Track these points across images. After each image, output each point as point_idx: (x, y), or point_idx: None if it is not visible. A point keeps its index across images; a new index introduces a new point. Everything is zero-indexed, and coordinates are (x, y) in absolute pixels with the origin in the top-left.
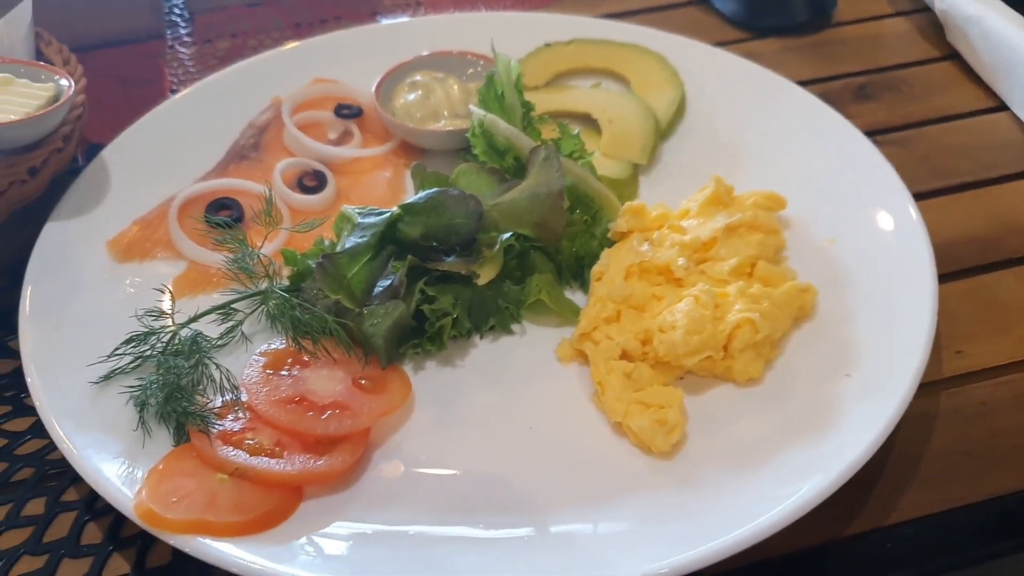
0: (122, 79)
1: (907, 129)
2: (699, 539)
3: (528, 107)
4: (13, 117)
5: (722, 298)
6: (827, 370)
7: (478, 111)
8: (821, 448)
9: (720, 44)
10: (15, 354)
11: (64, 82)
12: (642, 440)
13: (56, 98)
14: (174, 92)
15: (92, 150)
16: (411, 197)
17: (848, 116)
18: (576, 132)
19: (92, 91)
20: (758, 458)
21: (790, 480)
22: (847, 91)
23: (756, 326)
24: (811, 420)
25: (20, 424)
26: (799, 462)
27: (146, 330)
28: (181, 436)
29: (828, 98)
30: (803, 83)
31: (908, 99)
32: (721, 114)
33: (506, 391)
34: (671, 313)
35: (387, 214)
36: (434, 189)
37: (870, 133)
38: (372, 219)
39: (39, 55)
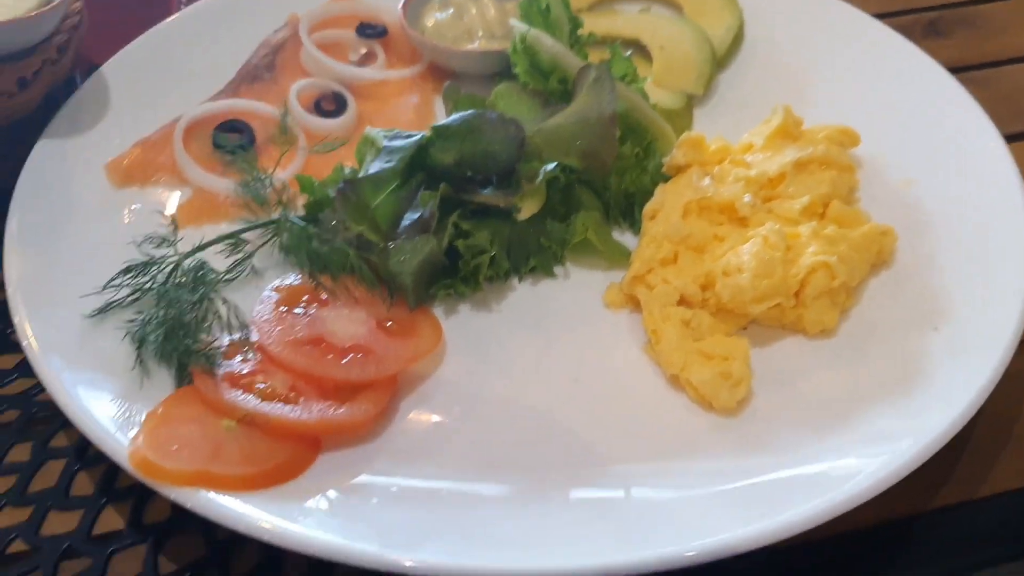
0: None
1: (983, 68)
2: (767, 510)
3: (576, 23)
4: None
5: (793, 239)
6: (910, 323)
7: (520, 25)
8: (908, 411)
9: None
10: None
11: None
12: (703, 395)
13: (48, 2)
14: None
15: (94, 71)
16: (444, 120)
17: None
18: (628, 53)
19: (96, 14)
20: (834, 420)
21: (872, 446)
22: (916, 27)
23: (833, 271)
24: (894, 378)
25: (5, 362)
26: (882, 426)
27: (146, 259)
28: (183, 378)
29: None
30: None
31: (983, 36)
32: (783, 44)
33: (548, 339)
34: (736, 255)
35: (417, 137)
36: (470, 111)
37: None
38: (400, 142)
39: None
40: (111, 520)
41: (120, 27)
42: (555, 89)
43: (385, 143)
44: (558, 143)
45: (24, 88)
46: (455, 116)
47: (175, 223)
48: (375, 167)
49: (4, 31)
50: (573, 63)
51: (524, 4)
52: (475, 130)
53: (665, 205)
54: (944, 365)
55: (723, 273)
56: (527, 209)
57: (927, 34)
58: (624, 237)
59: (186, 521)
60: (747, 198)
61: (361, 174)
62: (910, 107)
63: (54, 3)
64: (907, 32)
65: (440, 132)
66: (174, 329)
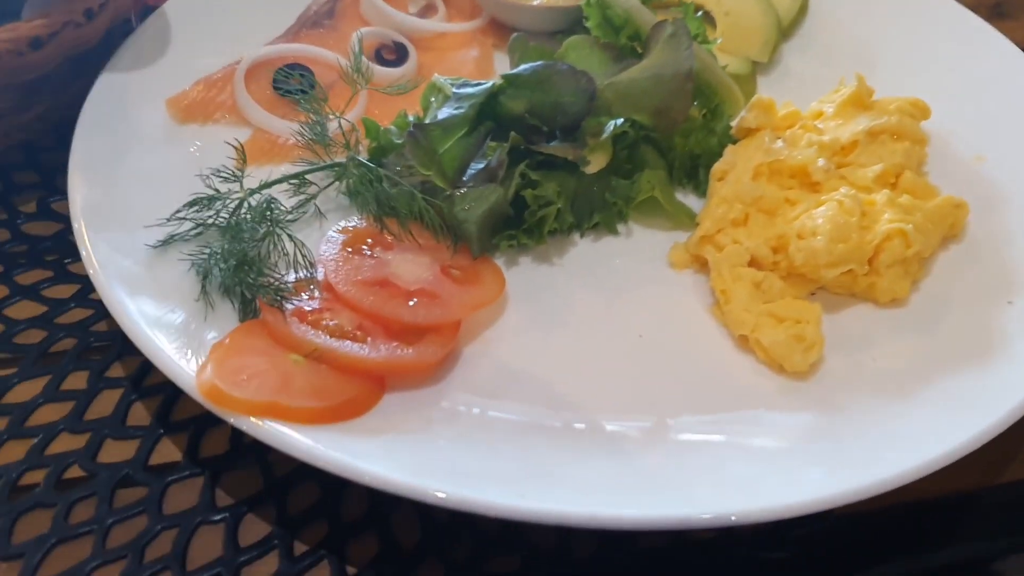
0: None
1: None
2: (837, 474)
3: None
4: None
5: (868, 206)
6: (983, 295)
7: None
8: (982, 381)
9: None
10: (59, 216)
11: None
12: (773, 357)
13: None
14: None
15: (147, 12)
16: (515, 69)
17: None
18: (700, 13)
19: None
20: (907, 388)
21: (943, 417)
22: (981, 8)
23: (908, 239)
24: (968, 349)
25: (62, 291)
26: (956, 396)
27: (213, 193)
28: (247, 312)
29: None
30: None
31: None
32: (849, 16)
33: (610, 295)
34: (811, 218)
35: (487, 85)
36: (539, 63)
37: None
38: (469, 90)
39: None
40: (168, 451)
41: None
42: (626, 45)
43: (454, 90)
44: (630, 98)
45: (91, 19)
46: (526, 66)
47: (243, 155)
48: (444, 113)
49: None
50: (647, 19)
51: None
52: (546, 80)
53: (736, 166)
54: (1018, 338)
55: (797, 236)
56: (595, 163)
57: (992, 16)
58: (687, 199)
59: (243, 456)
60: (821, 162)
61: (428, 119)
62: (979, 83)
63: None
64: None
65: (511, 80)
66: (241, 263)
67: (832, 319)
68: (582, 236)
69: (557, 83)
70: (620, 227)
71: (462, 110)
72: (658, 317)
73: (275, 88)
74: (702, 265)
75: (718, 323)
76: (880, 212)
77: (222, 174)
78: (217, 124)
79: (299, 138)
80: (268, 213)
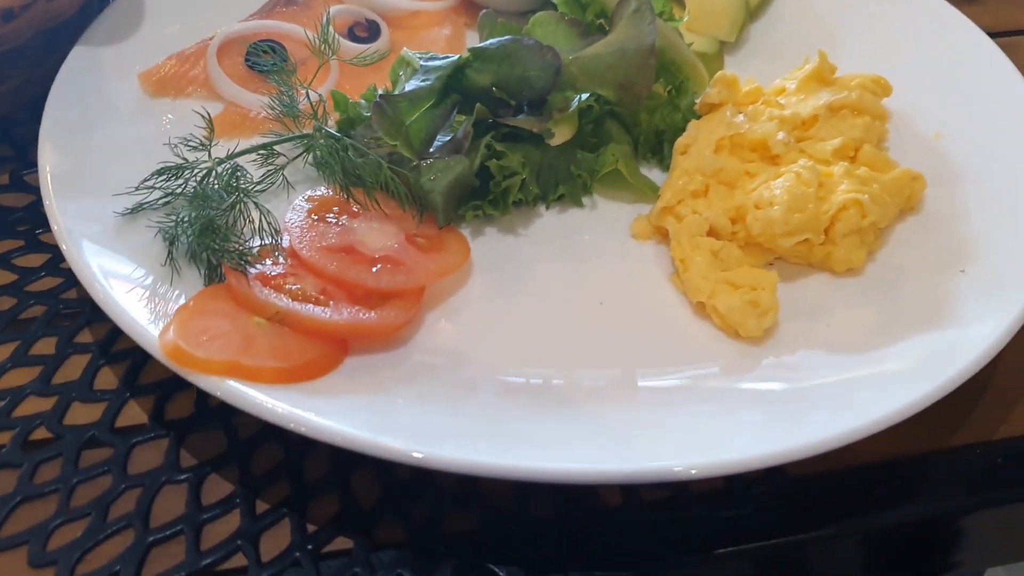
0: None
1: (1016, 35)
2: (788, 430)
3: None
4: None
5: (826, 177)
6: (937, 265)
7: None
8: (932, 347)
9: None
10: (32, 188)
11: None
12: (729, 323)
13: None
14: None
15: None
16: (481, 43)
17: None
18: None
19: None
20: (859, 352)
21: (895, 378)
22: None
23: (864, 209)
24: (920, 316)
25: (33, 260)
26: (906, 360)
27: (181, 162)
28: (214, 277)
29: None
30: None
31: (1017, 4)
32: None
33: (574, 265)
34: (769, 188)
35: (454, 58)
36: (506, 37)
37: None
38: (437, 63)
39: None
40: (134, 414)
41: None
42: (592, 22)
43: (422, 63)
44: (594, 73)
45: None
46: (493, 40)
47: (211, 125)
48: (411, 85)
49: None
50: None
51: None
52: (512, 55)
53: (698, 140)
54: (970, 305)
55: (755, 206)
56: (560, 135)
57: (961, 1)
58: (652, 174)
59: (208, 418)
60: (781, 135)
61: (396, 91)
62: (942, 62)
63: None
64: None
65: (477, 54)
66: (207, 229)
67: (789, 288)
68: (547, 208)
69: (523, 57)
70: (585, 200)
71: (429, 82)
72: (619, 285)
73: (247, 63)
74: (664, 236)
75: (678, 292)
76: (837, 183)
77: (190, 143)
78: (189, 98)
79: (270, 111)
80: (234, 182)
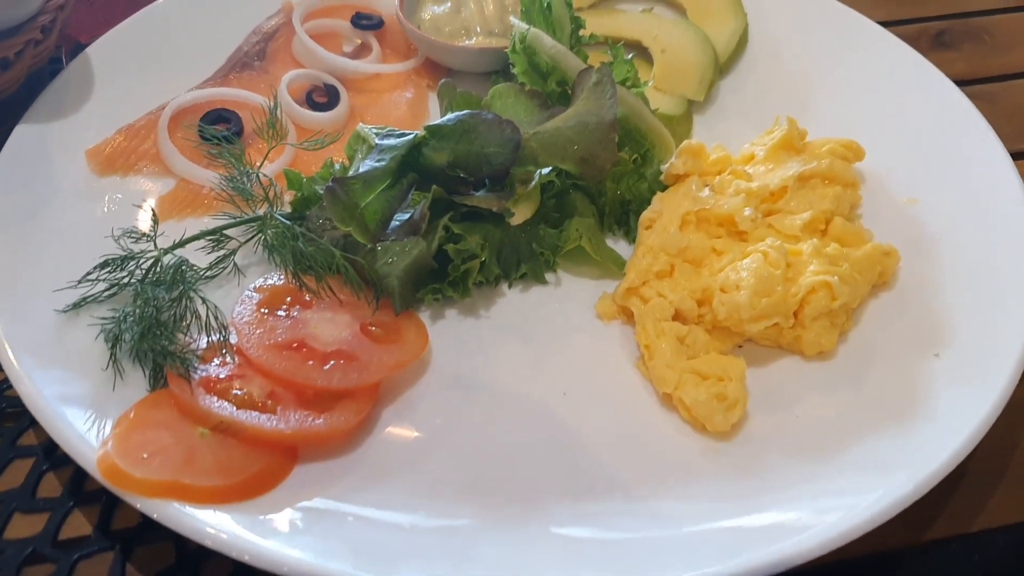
0: None
1: (990, 82)
2: (758, 541)
3: (578, 23)
4: None
5: (794, 256)
6: (911, 347)
7: (520, 24)
8: (906, 440)
9: None
10: None
11: None
12: (696, 417)
13: None
14: None
15: (78, 50)
16: (439, 119)
17: None
18: (629, 57)
19: None
20: (830, 446)
21: (869, 476)
22: (923, 38)
23: (834, 291)
24: (893, 405)
25: None
26: (879, 455)
27: (124, 253)
28: (158, 380)
29: None
30: None
31: (991, 50)
32: (787, 51)
33: (537, 349)
34: (735, 270)
35: (410, 136)
36: (465, 111)
37: None
38: (392, 141)
39: None
40: (78, 524)
41: (111, 4)
42: (553, 91)
43: (377, 141)
44: (555, 147)
45: (6, 69)
46: (450, 116)
47: (156, 217)
48: (366, 166)
49: None
50: (573, 65)
51: (525, 1)
52: (470, 130)
53: (663, 215)
54: (944, 394)
55: (720, 289)
56: (520, 214)
57: (934, 46)
58: (618, 245)
59: (156, 529)
60: (747, 211)
61: (351, 172)
62: (916, 121)
63: None
64: (914, 43)
65: (434, 132)
66: (150, 328)
67: (758, 373)
68: (510, 287)
69: (482, 133)
70: (549, 276)
71: (384, 162)
72: (584, 372)
73: (200, 136)
74: (629, 316)
75: (644, 378)
76: (806, 263)
77: (133, 234)
78: (139, 174)
79: (221, 190)
80: (180, 275)
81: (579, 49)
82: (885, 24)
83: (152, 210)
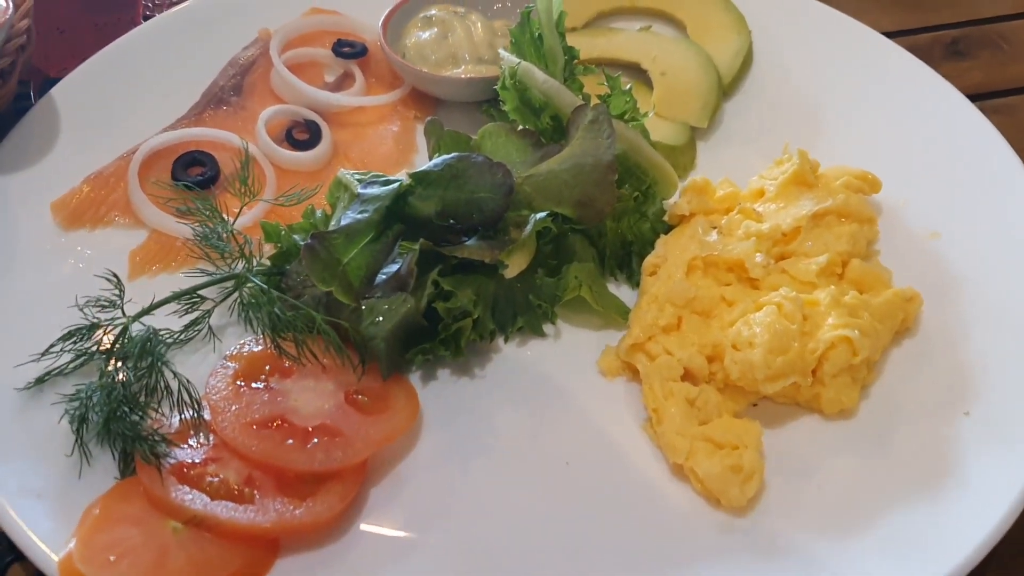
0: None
1: (1009, 95)
2: None
3: (572, 54)
4: None
5: (811, 307)
6: (938, 404)
7: (510, 58)
8: (936, 514)
9: None
10: None
11: (2, 2)
12: (710, 490)
13: None
14: (147, 19)
15: (47, 85)
16: (425, 164)
17: None
18: (628, 87)
19: (53, 15)
20: (854, 523)
21: (896, 561)
22: (937, 46)
23: (855, 347)
24: (921, 472)
25: None
26: (907, 534)
27: (90, 323)
28: (128, 464)
29: (915, 54)
30: (886, 36)
31: (1009, 58)
32: (793, 69)
33: (537, 413)
34: (747, 325)
35: (394, 184)
36: (453, 155)
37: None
38: (376, 190)
39: None
40: None
41: (80, 34)
42: (546, 127)
43: (360, 190)
44: (550, 191)
45: None
46: (437, 160)
47: (120, 285)
48: (348, 218)
49: None
50: (567, 100)
51: (515, 32)
52: (459, 175)
53: (667, 260)
54: (977, 458)
55: (732, 346)
56: (515, 266)
57: (948, 55)
58: (620, 290)
59: None
60: (759, 257)
61: (333, 223)
62: (932, 145)
63: None
64: (927, 53)
65: (420, 179)
66: (117, 409)
67: (774, 433)
68: (506, 341)
69: (472, 177)
70: (548, 327)
71: (367, 214)
72: (588, 439)
73: (175, 181)
74: (634, 373)
75: (652, 442)
76: (824, 314)
77: (100, 302)
78: (108, 227)
79: (195, 245)
80: (149, 347)
81: (573, 80)
82: (896, 33)
83: (116, 276)
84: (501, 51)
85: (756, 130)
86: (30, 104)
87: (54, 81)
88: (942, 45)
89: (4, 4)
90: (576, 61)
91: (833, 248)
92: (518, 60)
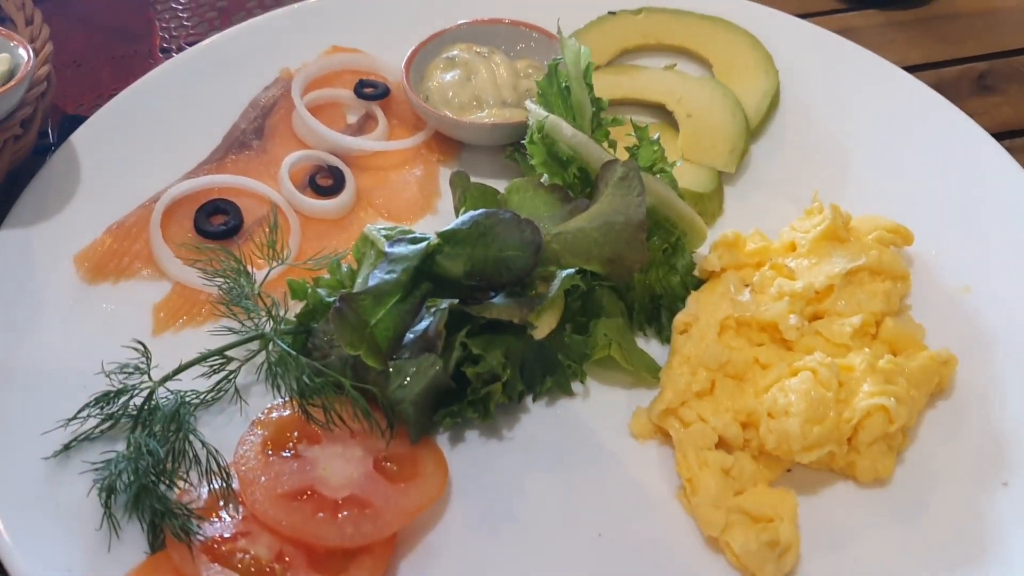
0: (105, 30)
1: None
2: None
3: (599, 105)
4: None
5: (846, 373)
6: (974, 472)
7: (538, 110)
8: None
9: (810, 15)
10: None
11: (22, 53)
12: (746, 565)
13: (11, 73)
14: (165, 50)
15: (66, 122)
16: (451, 217)
17: (967, 114)
18: (656, 137)
19: (69, 48)
20: None
21: None
22: (964, 80)
23: (891, 415)
24: (960, 544)
25: None
26: None
27: (116, 388)
28: (158, 536)
29: (942, 89)
30: (911, 69)
31: None
32: (820, 111)
33: (567, 478)
34: (783, 392)
35: (422, 244)
36: (480, 211)
37: (996, 136)
38: (403, 249)
39: None
40: None
41: (96, 68)
42: (573, 181)
43: (387, 248)
44: (579, 249)
45: None
46: (464, 218)
47: (148, 353)
48: (375, 278)
49: None
50: (596, 154)
51: (543, 83)
52: (487, 232)
53: (699, 319)
54: (1016, 533)
55: (768, 414)
56: (544, 327)
57: (977, 90)
58: (649, 345)
59: None
60: (793, 319)
61: (359, 281)
62: (962, 191)
63: (15, 79)
64: (955, 88)
65: (448, 238)
66: (146, 484)
67: (808, 501)
68: (535, 400)
69: (500, 234)
70: (576, 385)
71: (395, 275)
72: (620, 507)
73: (197, 231)
74: (666, 436)
75: (685, 511)
76: (859, 381)
77: (127, 369)
78: (132, 278)
79: (219, 301)
80: (176, 417)
81: (601, 131)
82: (923, 67)
83: (143, 345)
84: (528, 103)
85: (784, 174)
86: (48, 142)
87: (72, 118)
88: (970, 80)
89: (24, 56)
90: (604, 113)
91: (867, 308)
92: (546, 113)
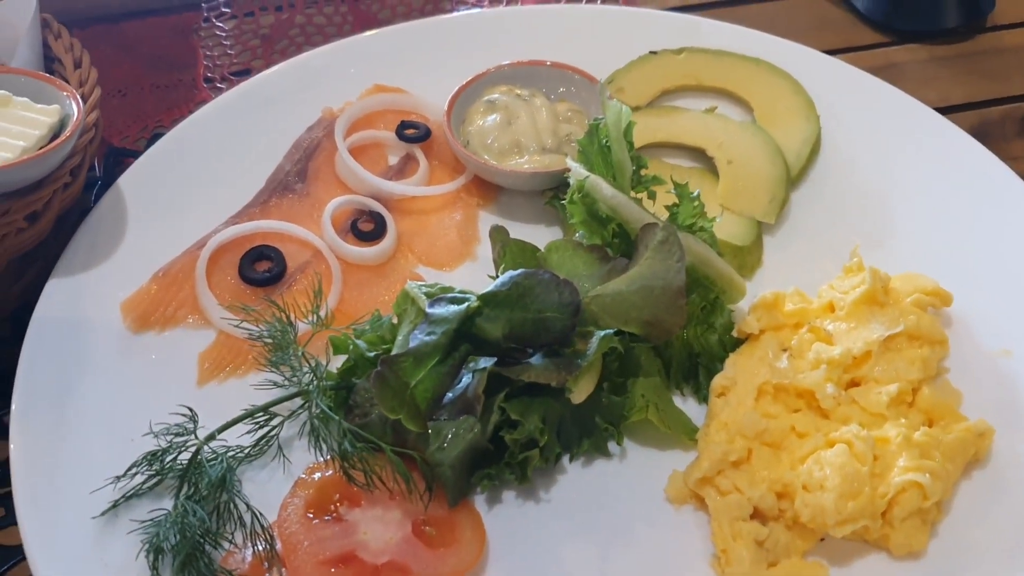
0: (148, 58)
1: None
2: None
3: (640, 163)
4: (8, 156)
5: (882, 446)
6: (1011, 548)
7: (579, 169)
8: None
9: (853, 49)
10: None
11: (71, 104)
12: None
13: (62, 124)
14: (208, 80)
15: (111, 155)
16: (492, 284)
17: (1011, 158)
18: (696, 194)
19: (113, 76)
20: None
21: None
22: (1010, 121)
23: (926, 492)
24: None
25: (12, 536)
26: None
27: (163, 448)
28: None
29: (985, 131)
30: (954, 108)
31: None
32: (860, 159)
33: (603, 544)
34: (818, 464)
35: (463, 307)
36: (520, 271)
37: None
38: (443, 310)
39: (45, 48)
40: None
41: (139, 95)
42: (613, 241)
43: (428, 309)
44: (617, 311)
45: (34, 221)
46: (503, 279)
47: (195, 417)
48: (415, 339)
49: (12, 173)
50: (635, 215)
51: (583, 142)
52: (526, 294)
53: (737, 383)
54: None
55: (803, 487)
56: (581, 391)
57: (1021, 131)
58: (686, 404)
59: None
60: (830, 388)
61: (399, 338)
62: (1003, 248)
63: (66, 133)
64: (998, 129)
65: (488, 300)
66: (193, 550)
67: (841, 573)
68: (571, 461)
69: (539, 295)
70: (613, 446)
71: (435, 336)
72: (655, 574)
73: (242, 277)
74: (702, 501)
75: None
76: (895, 455)
77: (174, 429)
78: (177, 326)
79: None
80: (222, 481)
81: (641, 189)
82: (964, 107)
83: (191, 410)
84: (569, 161)
85: (822, 224)
86: (94, 175)
87: (117, 150)
88: (1015, 120)
89: (74, 107)
90: (645, 170)
91: (904, 375)
92: (586, 173)
